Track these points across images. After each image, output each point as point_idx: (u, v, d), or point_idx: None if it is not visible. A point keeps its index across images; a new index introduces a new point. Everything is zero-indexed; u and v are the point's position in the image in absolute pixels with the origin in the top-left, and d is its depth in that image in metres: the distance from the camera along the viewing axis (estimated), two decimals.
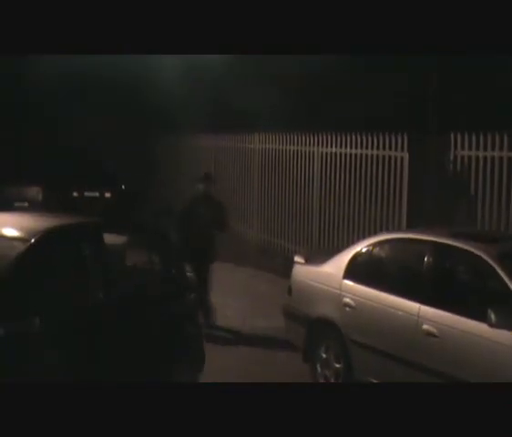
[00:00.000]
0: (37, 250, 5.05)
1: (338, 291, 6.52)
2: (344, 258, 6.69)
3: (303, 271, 7.18)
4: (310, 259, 7.36)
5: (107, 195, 15.67)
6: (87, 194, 15.31)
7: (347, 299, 6.39)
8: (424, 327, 5.61)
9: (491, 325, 5.10)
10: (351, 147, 10.86)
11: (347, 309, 6.37)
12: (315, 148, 11.75)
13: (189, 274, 7.31)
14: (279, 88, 15.89)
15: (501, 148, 8.52)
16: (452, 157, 9.24)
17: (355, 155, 10.75)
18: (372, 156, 10.40)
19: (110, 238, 5.81)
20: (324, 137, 11.53)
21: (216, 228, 8.97)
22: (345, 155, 10.97)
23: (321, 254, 7.96)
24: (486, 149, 8.72)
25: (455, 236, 6.01)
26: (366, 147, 10.51)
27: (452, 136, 9.24)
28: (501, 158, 8.53)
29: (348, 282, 6.48)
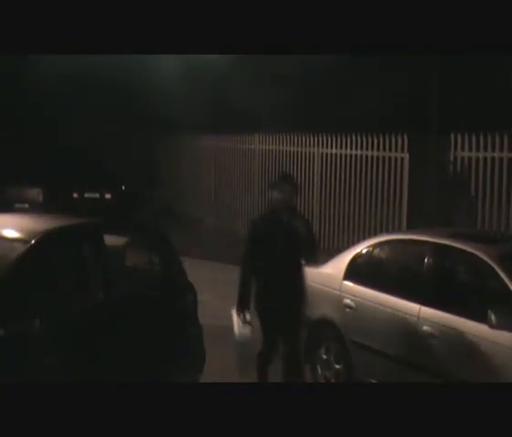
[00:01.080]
0: (37, 251, 5.05)
1: (338, 292, 6.51)
2: (345, 259, 6.68)
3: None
4: None
5: (108, 196, 15.67)
6: (87, 195, 15.31)
7: (347, 301, 6.38)
8: (425, 328, 5.60)
9: (491, 326, 5.09)
10: (351, 148, 10.87)
11: (347, 310, 6.37)
12: (315, 149, 11.75)
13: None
14: (279, 89, 15.90)
15: (501, 149, 8.52)
16: (452, 158, 9.25)
17: (355, 156, 10.76)
18: (372, 157, 10.40)
19: (110, 239, 5.81)
20: (325, 137, 11.54)
21: (305, 257, 6.03)
22: (345, 156, 10.98)
23: (321, 255, 7.95)
24: (486, 150, 8.73)
25: (455, 237, 6.00)
26: (366, 148, 10.52)
27: (452, 136, 9.25)
28: (501, 159, 8.54)
29: (348, 283, 6.48)
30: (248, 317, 5.92)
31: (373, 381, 5.95)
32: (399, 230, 9.27)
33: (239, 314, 5.91)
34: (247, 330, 5.88)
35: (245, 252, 5.91)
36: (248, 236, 6.03)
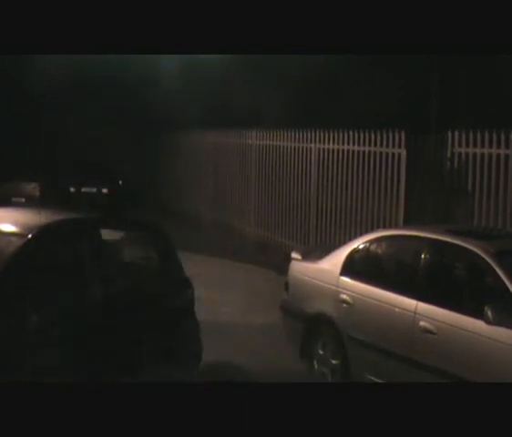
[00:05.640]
0: (34, 246, 5.05)
1: (335, 288, 6.53)
2: (341, 254, 6.69)
3: (300, 267, 7.19)
4: (307, 256, 7.36)
5: (105, 190, 15.67)
6: (84, 189, 15.31)
7: (344, 296, 6.40)
8: (421, 324, 5.62)
9: (488, 322, 5.11)
10: (348, 144, 10.88)
11: (344, 305, 6.38)
12: (313, 145, 11.76)
13: None
14: (277, 85, 15.92)
15: (498, 146, 8.54)
16: (449, 154, 9.26)
17: (353, 151, 10.76)
18: (369, 152, 10.41)
19: (108, 234, 5.81)
20: (322, 133, 11.54)
21: None
22: (343, 151, 10.99)
23: (318, 250, 7.97)
24: (483, 146, 8.74)
25: (452, 233, 6.02)
26: (364, 144, 10.52)
27: (449, 133, 9.26)
28: (498, 156, 8.55)
29: (345, 279, 6.49)
30: None
31: (370, 378, 5.98)
32: (396, 226, 9.29)
33: None
34: None
35: None
36: None
